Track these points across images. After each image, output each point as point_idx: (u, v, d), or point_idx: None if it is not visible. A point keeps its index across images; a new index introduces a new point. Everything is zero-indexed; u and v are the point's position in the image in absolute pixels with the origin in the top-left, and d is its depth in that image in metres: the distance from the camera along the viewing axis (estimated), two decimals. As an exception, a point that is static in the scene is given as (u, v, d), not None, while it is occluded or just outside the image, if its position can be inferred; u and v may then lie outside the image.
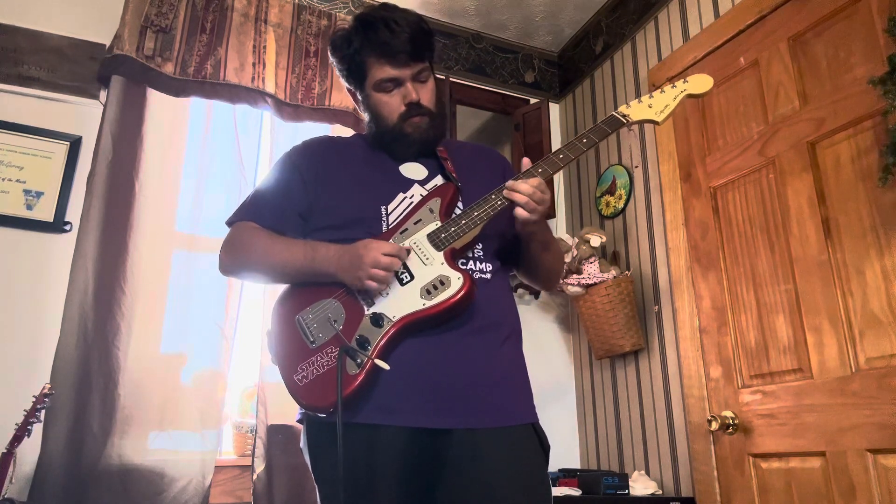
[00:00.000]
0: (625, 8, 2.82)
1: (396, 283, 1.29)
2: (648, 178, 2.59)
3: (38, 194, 2.19)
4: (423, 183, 1.42)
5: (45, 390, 1.80)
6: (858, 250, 1.79)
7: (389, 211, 1.37)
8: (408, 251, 1.29)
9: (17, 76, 2.23)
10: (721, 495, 2.08)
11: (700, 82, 1.41)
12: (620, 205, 2.71)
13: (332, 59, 1.48)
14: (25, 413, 1.76)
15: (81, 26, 2.36)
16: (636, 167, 2.61)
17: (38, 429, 1.83)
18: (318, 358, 1.26)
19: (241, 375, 2.37)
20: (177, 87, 2.36)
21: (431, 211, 1.34)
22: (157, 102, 2.32)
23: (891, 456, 1.66)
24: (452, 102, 2.96)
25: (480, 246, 1.38)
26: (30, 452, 1.87)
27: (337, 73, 1.50)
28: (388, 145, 1.44)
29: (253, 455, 2.17)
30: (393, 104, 1.41)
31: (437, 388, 1.25)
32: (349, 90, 1.51)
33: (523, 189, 1.29)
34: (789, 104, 2.03)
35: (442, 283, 1.27)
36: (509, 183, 1.31)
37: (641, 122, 1.40)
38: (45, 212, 2.18)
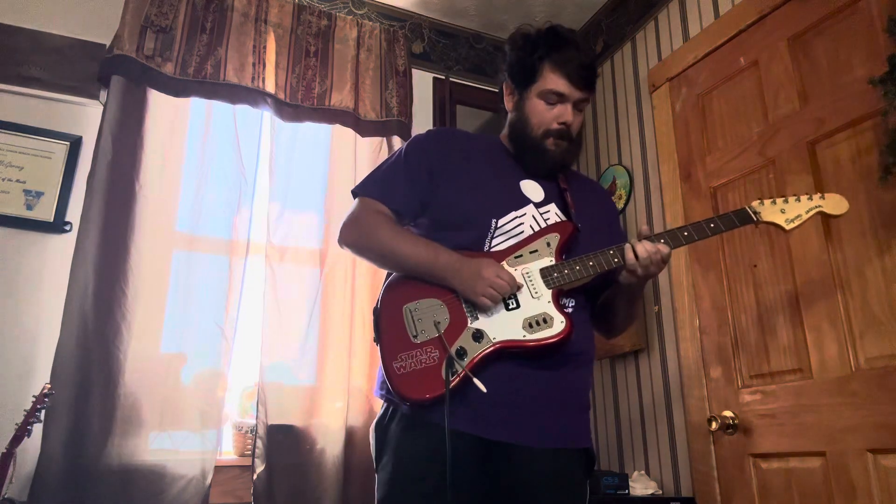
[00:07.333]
0: (625, 8, 2.82)
1: (502, 306, 1.35)
2: (648, 178, 2.59)
3: (38, 194, 2.19)
4: (538, 205, 1.47)
5: (45, 390, 1.80)
6: (858, 250, 1.79)
7: (499, 226, 1.42)
8: (519, 286, 1.36)
9: (18, 76, 2.23)
10: (721, 495, 2.08)
11: (836, 204, 1.45)
12: (620, 205, 2.71)
13: (507, 49, 1.54)
14: (25, 413, 1.76)
15: (81, 26, 2.36)
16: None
17: (38, 429, 1.83)
18: (419, 353, 1.32)
19: (241, 375, 2.37)
20: (177, 87, 2.36)
21: (548, 245, 1.40)
22: (157, 102, 2.32)
23: (891, 456, 1.66)
24: (452, 102, 2.96)
25: None
26: (30, 452, 1.88)
27: (504, 63, 1.54)
28: (523, 152, 1.50)
29: (253, 455, 2.17)
30: (547, 117, 1.46)
31: (516, 405, 1.33)
32: (505, 82, 1.55)
33: (640, 251, 1.36)
34: (789, 104, 2.03)
35: (545, 320, 1.33)
36: (633, 241, 1.39)
37: (769, 224, 1.46)
38: (45, 212, 2.18)
